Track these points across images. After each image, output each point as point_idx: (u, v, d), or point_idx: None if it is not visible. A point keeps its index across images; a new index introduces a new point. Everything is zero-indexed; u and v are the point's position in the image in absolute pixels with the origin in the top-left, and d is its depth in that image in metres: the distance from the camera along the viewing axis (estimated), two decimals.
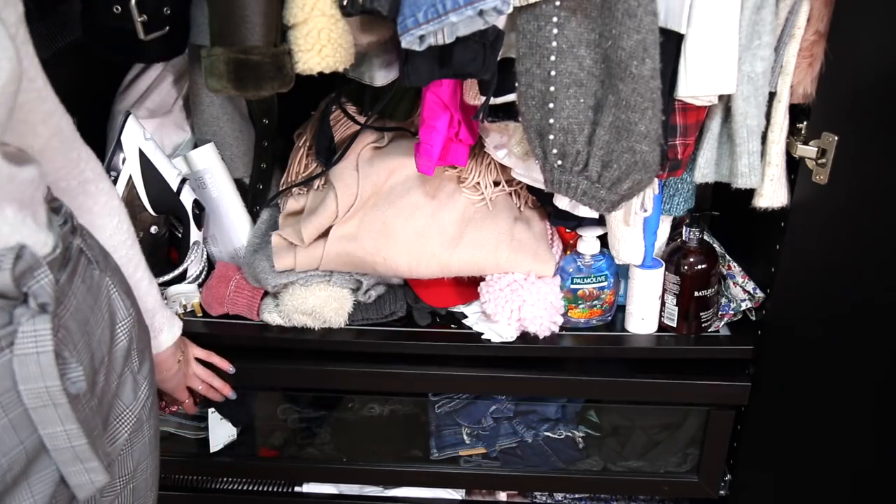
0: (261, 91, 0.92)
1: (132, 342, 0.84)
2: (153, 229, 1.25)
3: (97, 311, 0.78)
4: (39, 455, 0.70)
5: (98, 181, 0.86)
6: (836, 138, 0.96)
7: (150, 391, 0.88)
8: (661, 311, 1.20)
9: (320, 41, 0.91)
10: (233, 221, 1.29)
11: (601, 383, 1.21)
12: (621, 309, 1.23)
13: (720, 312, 1.20)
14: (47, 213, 0.72)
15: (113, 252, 0.87)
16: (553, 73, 0.93)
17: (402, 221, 1.17)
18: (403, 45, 0.86)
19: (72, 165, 0.81)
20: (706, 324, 1.19)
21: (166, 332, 1.00)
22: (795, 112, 1.01)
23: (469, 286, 1.22)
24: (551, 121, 0.95)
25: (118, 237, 0.89)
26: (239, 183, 1.31)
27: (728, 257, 1.23)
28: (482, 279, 1.19)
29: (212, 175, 1.26)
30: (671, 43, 0.93)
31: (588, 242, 1.18)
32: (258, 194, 1.33)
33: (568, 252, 1.25)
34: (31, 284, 0.66)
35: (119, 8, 1.02)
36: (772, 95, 0.99)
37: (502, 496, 1.45)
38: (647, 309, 1.19)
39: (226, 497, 1.44)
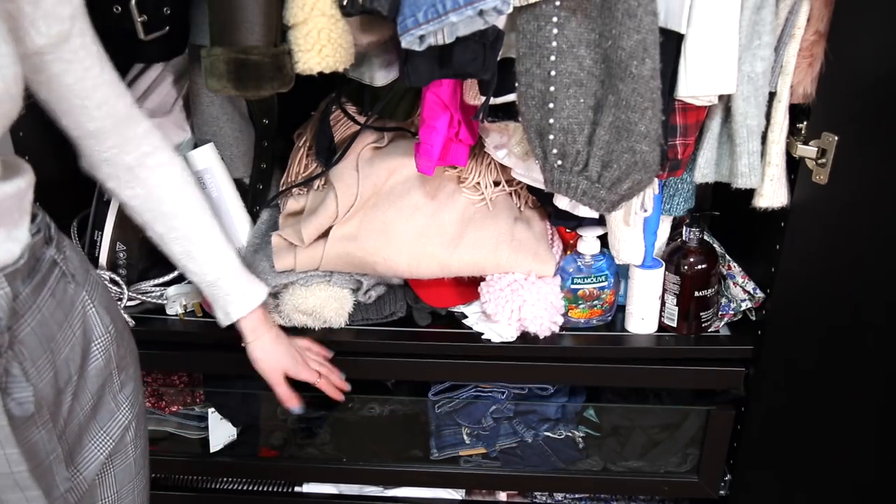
0: (261, 91, 0.92)
1: (110, 361, 0.82)
2: None
3: (66, 327, 0.75)
4: None
5: (156, 154, 0.86)
6: (836, 138, 0.96)
7: (132, 413, 0.86)
8: (661, 311, 1.20)
9: (320, 41, 0.91)
10: (233, 221, 1.29)
11: (600, 369, 1.21)
12: (621, 309, 1.23)
13: (720, 312, 1.20)
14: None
15: (173, 219, 0.89)
16: (553, 73, 0.93)
17: (403, 222, 1.17)
18: (403, 45, 0.86)
19: (126, 142, 0.82)
20: (706, 324, 1.19)
21: (229, 306, 0.98)
22: (795, 112, 1.01)
23: (469, 286, 1.22)
24: (551, 121, 0.95)
25: (180, 206, 0.90)
26: (239, 183, 1.31)
27: (728, 257, 1.23)
28: (482, 279, 1.19)
29: (212, 175, 1.26)
30: (671, 43, 0.93)
31: (588, 242, 1.18)
32: (258, 194, 1.33)
33: (568, 252, 1.25)
34: None
35: (119, 8, 1.02)
36: (772, 95, 0.99)
37: (502, 496, 1.45)
38: (647, 309, 1.19)
39: (226, 497, 1.44)
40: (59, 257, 0.76)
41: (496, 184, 1.24)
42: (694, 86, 0.95)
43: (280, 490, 1.44)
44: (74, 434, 0.78)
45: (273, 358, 1.03)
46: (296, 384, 1.07)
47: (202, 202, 0.92)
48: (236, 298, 0.99)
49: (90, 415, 0.80)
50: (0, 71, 0.61)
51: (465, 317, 1.23)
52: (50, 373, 0.72)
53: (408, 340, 1.21)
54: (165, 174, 0.87)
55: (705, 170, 1.06)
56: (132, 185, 0.86)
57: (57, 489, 0.75)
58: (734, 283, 1.20)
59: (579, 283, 1.18)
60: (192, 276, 0.97)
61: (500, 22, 0.94)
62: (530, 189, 1.24)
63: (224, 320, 1.01)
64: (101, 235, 1.22)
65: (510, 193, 1.26)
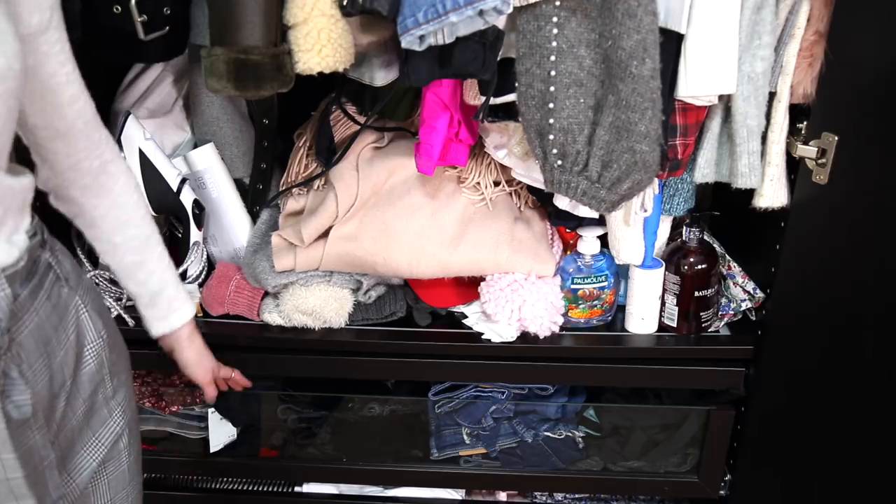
0: (261, 91, 0.92)
1: (102, 366, 0.81)
2: None
3: (61, 331, 0.75)
4: None
5: (116, 161, 0.87)
6: (836, 138, 0.96)
7: (124, 419, 0.85)
8: (661, 311, 1.20)
9: (320, 41, 0.91)
10: (233, 221, 1.29)
11: (600, 369, 1.21)
12: (621, 309, 1.23)
13: (720, 312, 1.20)
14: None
15: (133, 228, 0.89)
16: (553, 73, 0.93)
17: (403, 222, 1.17)
18: (403, 45, 0.86)
19: (93, 146, 0.83)
20: (706, 324, 1.19)
21: (172, 314, 0.98)
22: (795, 112, 1.01)
23: (469, 286, 1.22)
24: (551, 121, 0.95)
25: (137, 213, 0.90)
26: (239, 183, 1.31)
27: (728, 257, 1.23)
28: (482, 279, 1.19)
29: (212, 175, 1.26)
30: (671, 43, 0.93)
31: (588, 242, 1.18)
32: (258, 194, 1.33)
33: (568, 252, 1.25)
34: None
35: (119, 8, 1.02)
36: (772, 95, 0.99)
37: (502, 496, 1.45)
38: (647, 309, 1.19)
39: (226, 497, 1.44)
40: (53, 261, 0.76)
41: (496, 184, 1.24)
42: (694, 86, 0.95)
43: (280, 490, 1.44)
44: (67, 440, 0.77)
45: (206, 359, 1.07)
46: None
47: (149, 211, 0.95)
48: (181, 305, 0.99)
49: (83, 421, 0.79)
50: (1, 47, 0.61)
51: (465, 317, 1.23)
52: (45, 376, 0.71)
53: (408, 340, 1.20)
54: (126, 182, 0.88)
55: (705, 170, 1.06)
56: (98, 194, 0.85)
57: (49, 497, 0.74)
58: (734, 283, 1.20)
59: (579, 283, 1.18)
60: (135, 286, 0.94)
61: (500, 22, 0.94)
62: (530, 189, 1.24)
63: (162, 329, 0.99)
64: None
65: (510, 193, 1.26)
